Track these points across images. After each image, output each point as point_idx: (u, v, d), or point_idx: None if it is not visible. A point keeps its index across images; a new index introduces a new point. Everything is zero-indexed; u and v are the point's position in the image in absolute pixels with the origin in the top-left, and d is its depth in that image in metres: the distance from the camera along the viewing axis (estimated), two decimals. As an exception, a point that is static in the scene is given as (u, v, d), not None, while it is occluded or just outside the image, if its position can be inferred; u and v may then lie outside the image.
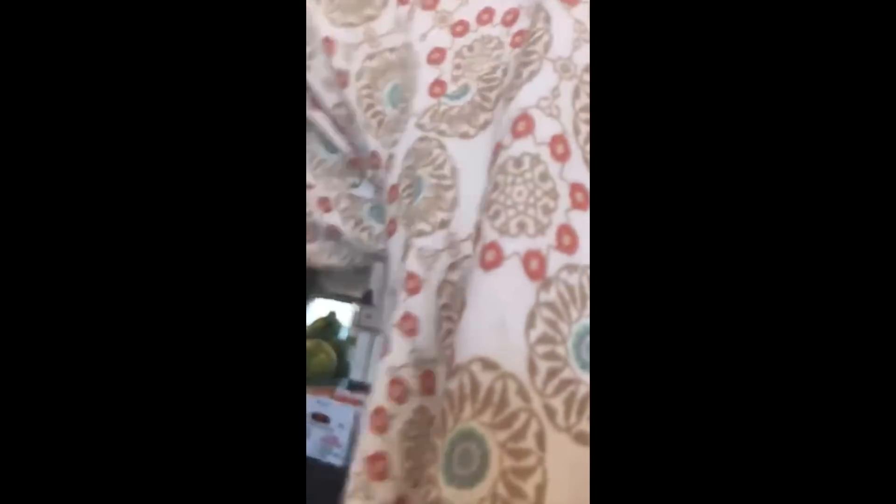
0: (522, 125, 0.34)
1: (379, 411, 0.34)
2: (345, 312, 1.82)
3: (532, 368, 0.30)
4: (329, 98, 0.43)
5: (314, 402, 1.32)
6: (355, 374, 1.63)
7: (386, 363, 0.35)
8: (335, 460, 1.27)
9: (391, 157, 0.41)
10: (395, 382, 0.35)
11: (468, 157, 0.37)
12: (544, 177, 0.33)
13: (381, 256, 0.44)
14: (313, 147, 0.47)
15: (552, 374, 0.30)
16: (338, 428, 1.28)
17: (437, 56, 0.41)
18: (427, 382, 0.34)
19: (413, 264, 0.36)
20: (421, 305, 0.35)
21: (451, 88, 0.40)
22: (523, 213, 0.32)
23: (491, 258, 0.32)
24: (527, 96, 0.35)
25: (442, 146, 0.38)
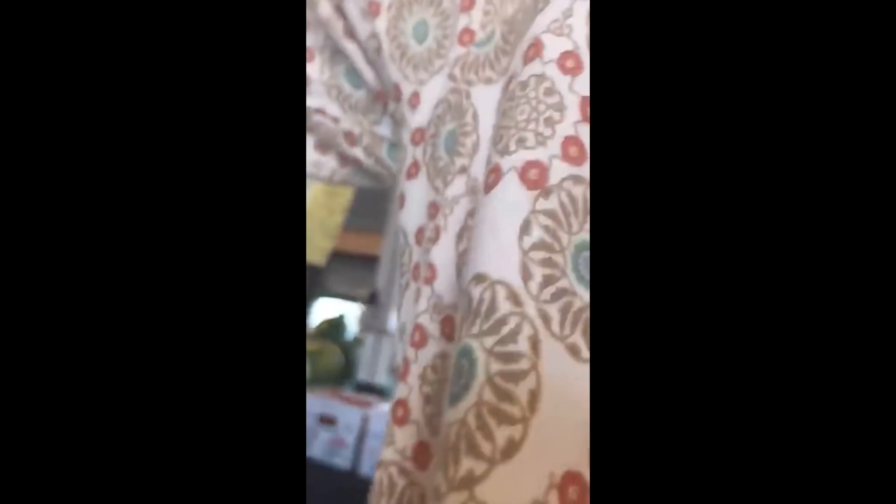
0: (532, 51, 0.33)
1: (404, 360, 0.34)
2: (351, 313, 1.81)
3: (526, 274, 0.28)
4: (364, 29, 0.43)
5: (320, 403, 1.31)
6: (362, 376, 1.62)
7: (412, 314, 0.35)
8: (342, 462, 1.25)
9: (416, 94, 0.41)
10: (416, 329, 0.34)
11: (489, 102, 0.36)
12: (549, 91, 0.32)
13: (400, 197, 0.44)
14: (339, 81, 0.47)
15: (548, 280, 0.28)
16: (344, 430, 1.26)
17: (467, 4, 0.41)
18: (446, 328, 0.33)
19: (440, 220, 0.36)
20: (440, 252, 0.35)
21: (480, 36, 0.40)
22: (523, 129, 0.31)
23: (491, 180, 0.31)
24: (538, 25, 0.34)
25: (469, 96, 0.38)
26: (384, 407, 1.30)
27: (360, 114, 0.47)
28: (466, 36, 0.40)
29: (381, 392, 1.53)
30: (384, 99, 0.45)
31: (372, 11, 0.42)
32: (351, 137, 0.46)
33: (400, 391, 0.34)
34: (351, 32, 0.44)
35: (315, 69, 0.47)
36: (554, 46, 0.33)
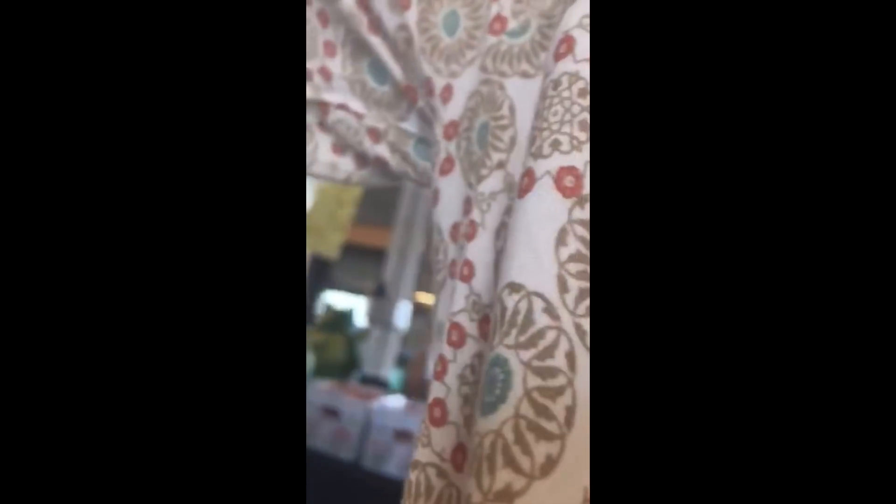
0: (564, 47, 0.32)
1: (441, 359, 0.34)
2: (358, 306, 1.82)
3: (562, 286, 0.28)
4: (392, 21, 0.42)
5: (325, 395, 1.31)
6: (368, 368, 1.62)
7: (446, 310, 0.34)
8: (346, 454, 1.26)
9: (448, 87, 0.40)
10: (454, 327, 0.34)
11: (527, 97, 0.35)
12: (583, 92, 0.31)
13: (425, 184, 0.43)
14: (363, 76, 0.46)
15: (584, 294, 0.28)
16: (348, 422, 1.27)
17: None
18: (484, 328, 0.33)
19: (475, 214, 0.35)
20: (477, 249, 0.34)
21: (512, 25, 0.39)
22: (557, 131, 0.31)
23: (525, 184, 0.30)
24: (569, 19, 0.33)
25: (502, 87, 0.37)
26: (388, 400, 1.31)
27: (384, 109, 0.46)
28: (498, 24, 0.39)
29: (385, 385, 1.54)
30: (412, 94, 0.44)
31: (402, 4, 0.41)
32: (375, 133, 0.45)
33: (437, 391, 0.33)
34: (377, 26, 0.43)
35: (337, 64, 0.46)
36: (586, 43, 0.32)
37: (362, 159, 0.47)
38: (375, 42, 0.43)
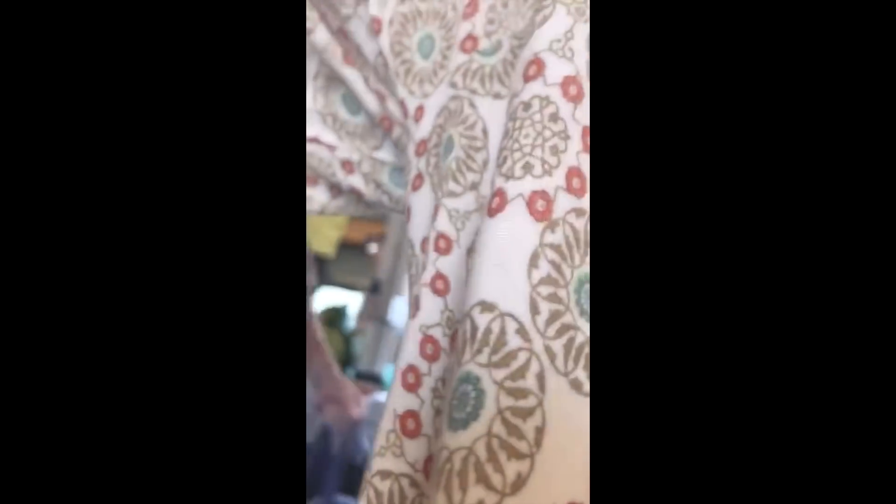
0: (533, 69, 0.33)
1: (411, 369, 0.34)
2: (353, 302, 1.82)
3: (534, 309, 0.29)
4: (372, 49, 0.42)
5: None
6: (363, 365, 1.63)
7: (417, 321, 0.35)
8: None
9: (420, 108, 0.40)
10: (428, 340, 0.34)
11: (499, 118, 0.36)
12: (554, 117, 0.32)
13: (401, 211, 0.43)
14: (335, 109, 0.47)
15: (554, 316, 0.29)
16: (344, 418, 1.28)
17: (469, 10, 0.40)
18: (455, 343, 0.33)
19: (443, 224, 0.36)
20: (452, 265, 0.35)
21: (484, 44, 0.39)
22: (529, 154, 0.32)
23: (496, 204, 0.31)
24: (538, 41, 0.34)
25: (473, 105, 0.37)
26: (384, 396, 1.31)
27: (358, 140, 0.46)
28: (469, 43, 0.39)
29: (380, 381, 1.55)
30: (387, 123, 0.44)
31: (374, 29, 0.41)
32: (349, 165, 0.46)
33: (410, 402, 0.34)
34: (352, 57, 0.44)
35: (308, 98, 0.46)
36: (557, 68, 0.33)
37: (337, 189, 0.48)
38: (349, 74, 0.44)
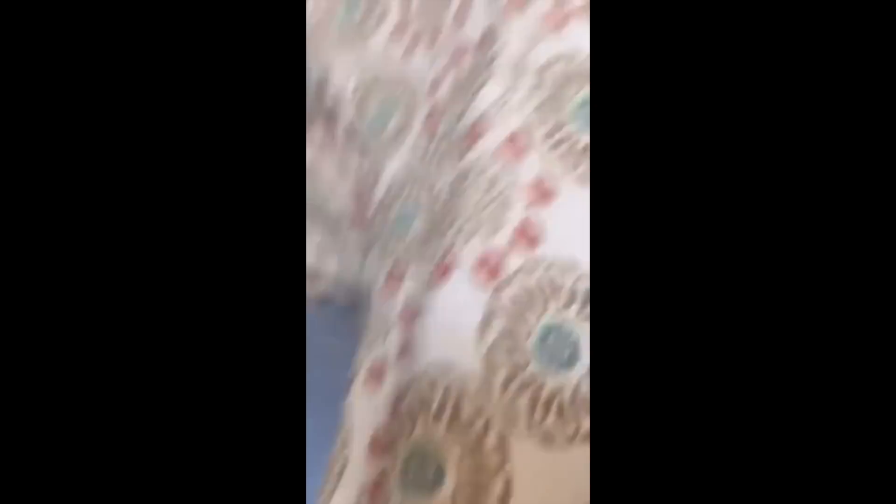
0: (469, 140, 0.34)
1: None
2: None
3: (490, 371, 0.29)
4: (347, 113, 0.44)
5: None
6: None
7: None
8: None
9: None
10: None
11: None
12: (493, 180, 0.33)
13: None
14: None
15: (513, 373, 0.29)
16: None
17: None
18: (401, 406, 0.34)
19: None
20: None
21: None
22: (474, 217, 0.32)
23: (444, 266, 0.32)
24: (476, 107, 0.35)
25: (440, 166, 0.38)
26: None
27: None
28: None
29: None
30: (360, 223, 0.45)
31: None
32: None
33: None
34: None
35: None
36: (497, 129, 0.33)
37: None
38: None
